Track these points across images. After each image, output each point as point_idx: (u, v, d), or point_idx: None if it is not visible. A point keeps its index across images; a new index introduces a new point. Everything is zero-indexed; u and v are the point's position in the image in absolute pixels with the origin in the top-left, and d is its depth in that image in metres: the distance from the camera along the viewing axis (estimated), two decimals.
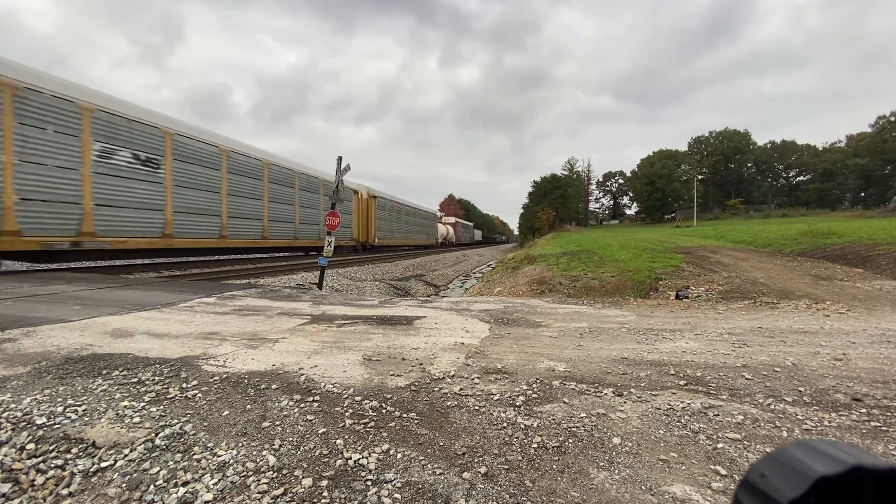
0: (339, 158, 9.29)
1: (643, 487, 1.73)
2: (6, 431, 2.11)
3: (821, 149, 78.86)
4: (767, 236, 16.36)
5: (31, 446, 2.00)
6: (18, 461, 1.89)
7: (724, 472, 1.84)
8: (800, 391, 2.70)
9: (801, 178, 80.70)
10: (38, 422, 2.21)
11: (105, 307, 5.31)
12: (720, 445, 2.06)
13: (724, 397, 2.62)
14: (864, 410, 2.43)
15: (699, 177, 74.32)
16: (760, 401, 2.56)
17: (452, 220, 61.37)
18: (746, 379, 2.92)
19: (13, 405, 2.38)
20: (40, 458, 1.91)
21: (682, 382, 2.86)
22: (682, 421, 2.31)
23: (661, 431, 2.20)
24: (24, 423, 2.19)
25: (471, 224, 78.37)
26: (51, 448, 1.99)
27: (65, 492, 1.72)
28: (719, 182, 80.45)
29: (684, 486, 1.74)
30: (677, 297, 6.89)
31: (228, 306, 5.66)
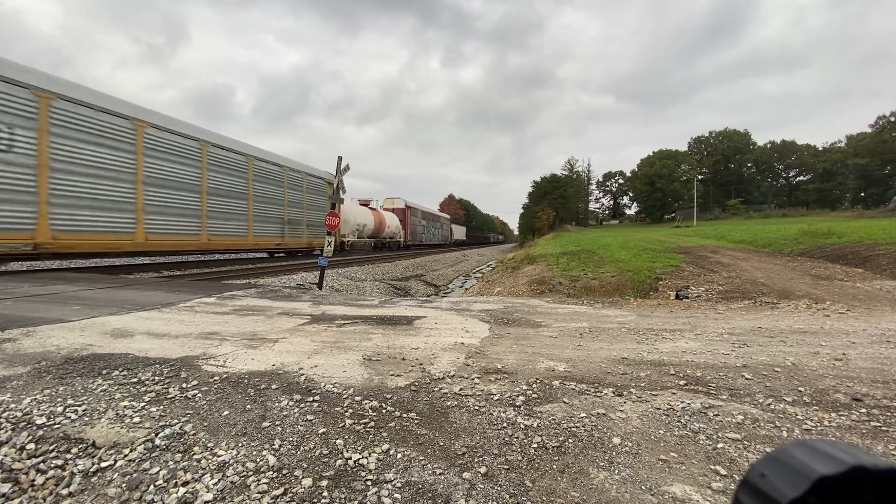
0: (339, 158, 9.30)
1: (643, 487, 1.73)
2: (6, 431, 2.11)
3: (821, 149, 78.77)
4: (767, 236, 16.35)
5: (31, 446, 2.00)
6: (18, 461, 1.89)
7: (724, 472, 1.84)
8: (800, 391, 2.70)
9: (801, 178, 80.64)
10: (38, 422, 2.21)
11: (105, 307, 5.31)
12: (720, 445, 2.06)
13: (724, 397, 2.62)
14: (864, 410, 2.43)
15: (699, 177, 74.20)
16: (760, 401, 2.56)
17: (402, 203, 37.39)
18: (746, 379, 2.92)
19: (13, 405, 2.38)
20: (40, 458, 1.91)
21: (682, 382, 2.86)
22: (682, 421, 2.31)
23: (661, 431, 2.20)
24: (24, 423, 2.19)
25: (444, 216, 54.05)
26: (51, 448, 1.99)
27: (65, 492, 1.72)
28: (719, 182, 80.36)
29: (684, 486, 1.74)
30: (677, 297, 6.89)
31: (228, 306, 5.66)
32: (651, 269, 8.97)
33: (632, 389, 2.74)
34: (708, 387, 2.79)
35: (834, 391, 2.71)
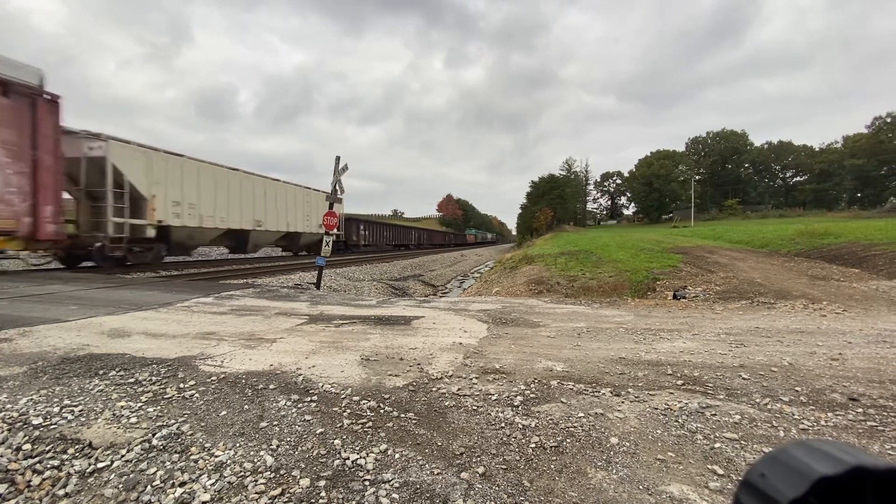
0: (337, 158, 9.28)
1: (641, 487, 1.74)
2: (2, 432, 2.10)
3: (818, 149, 78.93)
4: (764, 236, 16.38)
5: (27, 446, 1.99)
6: (15, 461, 1.88)
7: (721, 471, 1.85)
8: (796, 391, 2.71)
9: (798, 178, 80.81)
10: (35, 422, 2.20)
11: (102, 307, 5.29)
12: (717, 445, 2.07)
13: (722, 397, 2.63)
14: (860, 410, 2.44)
15: (696, 177, 74.33)
16: (757, 400, 2.57)
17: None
18: (743, 379, 2.93)
19: (9, 405, 2.37)
20: (37, 459, 1.90)
21: (679, 382, 2.87)
22: (680, 421, 2.31)
23: (658, 431, 2.20)
24: (21, 424, 2.18)
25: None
26: (47, 448, 1.98)
27: (61, 492, 1.71)
28: (717, 182, 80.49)
29: (682, 486, 1.74)
30: (675, 297, 6.91)
31: (226, 306, 5.64)
32: (649, 270, 8.99)
33: (629, 389, 2.74)
34: (705, 387, 2.80)
35: (830, 391, 2.72)
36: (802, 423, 2.29)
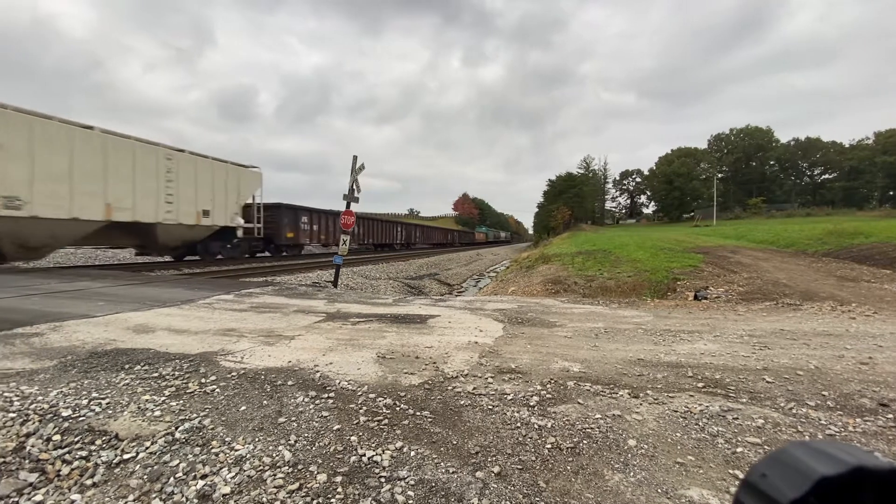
0: (355, 158, 9.36)
1: (659, 490, 1.71)
2: (34, 423, 2.18)
3: (847, 146, 76.14)
4: (790, 236, 15.91)
5: (56, 437, 2.06)
6: (45, 452, 1.95)
7: (743, 476, 1.80)
8: (823, 395, 2.63)
9: (827, 176, 78.08)
10: (64, 414, 2.28)
11: (128, 303, 5.45)
12: (739, 450, 2.02)
13: (744, 400, 2.56)
14: (891, 416, 2.35)
15: (719, 175, 72.54)
16: (782, 405, 2.50)
17: None
18: (767, 382, 2.85)
19: (40, 397, 2.47)
20: (66, 449, 1.98)
21: (700, 385, 2.81)
22: (700, 424, 2.27)
23: (678, 434, 2.16)
24: (51, 415, 2.26)
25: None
26: (76, 439, 2.06)
27: (89, 482, 1.77)
28: (740, 180, 78.34)
29: (701, 490, 1.71)
30: (696, 297, 6.76)
31: (246, 303, 5.75)
32: (669, 270, 8.83)
33: (648, 391, 2.70)
34: (727, 389, 2.73)
35: (859, 396, 2.63)
36: (829, 429, 2.22)
